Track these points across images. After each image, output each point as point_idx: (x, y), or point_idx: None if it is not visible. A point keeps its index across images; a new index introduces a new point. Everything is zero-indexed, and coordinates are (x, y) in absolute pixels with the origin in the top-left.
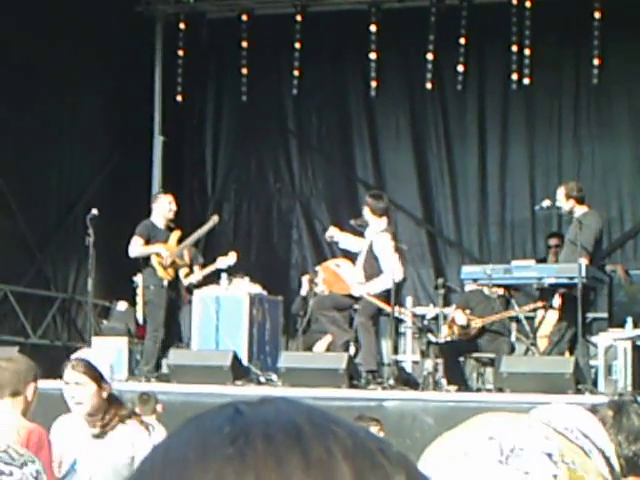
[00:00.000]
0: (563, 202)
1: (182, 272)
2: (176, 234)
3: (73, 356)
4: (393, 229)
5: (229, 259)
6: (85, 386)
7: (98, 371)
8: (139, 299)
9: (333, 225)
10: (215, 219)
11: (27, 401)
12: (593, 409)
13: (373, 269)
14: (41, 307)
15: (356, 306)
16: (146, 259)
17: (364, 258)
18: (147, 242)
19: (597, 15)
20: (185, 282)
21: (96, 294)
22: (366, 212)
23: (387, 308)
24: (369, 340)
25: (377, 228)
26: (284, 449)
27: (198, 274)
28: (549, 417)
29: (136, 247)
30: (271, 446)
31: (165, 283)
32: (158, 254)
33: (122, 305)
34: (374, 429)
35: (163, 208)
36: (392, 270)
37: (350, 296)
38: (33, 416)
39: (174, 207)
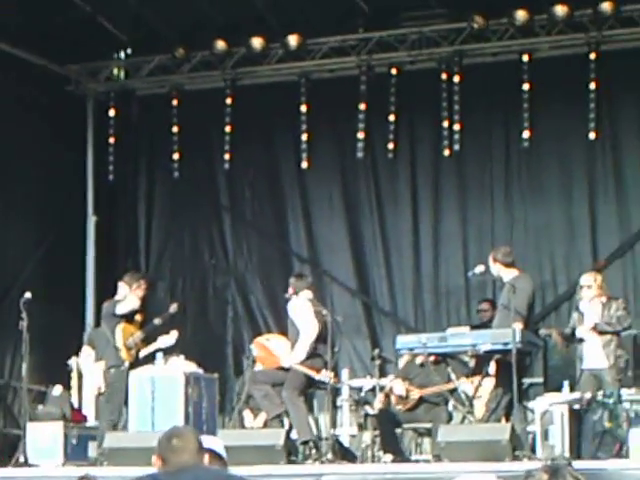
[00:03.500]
0: (492, 266)
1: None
2: (138, 317)
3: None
4: (315, 302)
5: (170, 338)
6: None
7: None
8: (74, 383)
9: (267, 299)
10: (175, 307)
11: None
12: (528, 474)
13: (295, 336)
14: None
15: None
16: (109, 341)
17: (289, 329)
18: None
19: (525, 77)
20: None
21: (31, 379)
22: (290, 291)
23: (315, 374)
24: (297, 412)
25: (294, 301)
26: None
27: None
28: None
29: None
30: None
31: (126, 365)
32: (124, 335)
33: (57, 389)
34: None
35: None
36: (306, 327)
37: (283, 369)
38: None
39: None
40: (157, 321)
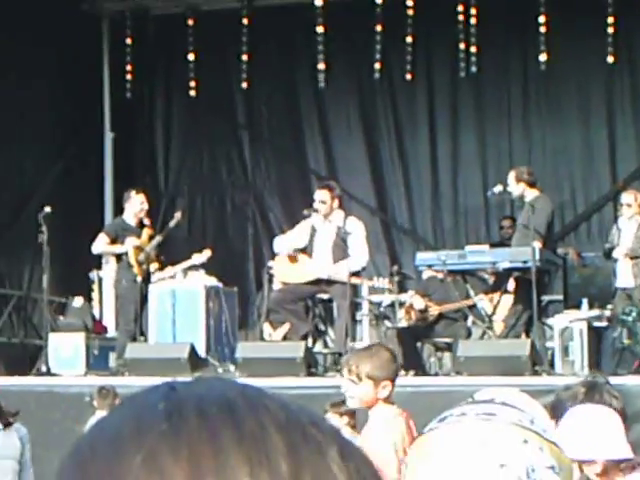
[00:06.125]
0: (514, 186)
1: (152, 268)
2: (147, 231)
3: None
4: None
5: (203, 256)
6: None
7: None
8: (95, 294)
9: (286, 216)
10: (178, 215)
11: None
12: (567, 387)
13: (343, 252)
14: None
15: (321, 295)
16: (120, 255)
17: (333, 242)
18: (113, 241)
19: (542, 0)
20: (154, 278)
21: (51, 291)
22: (327, 198)
23: (368, 282)
24: (344, 322)
25: (340, 214)
26: (217, 423)
27: (170, 270)
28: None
29: (99, 244)
30: (204, 420)
31: (139, 279)
32: (137, 248)
33: (78, 301)
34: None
35: (135, 207)
36: (364, 253)
37: (308, 284)
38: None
39: (146, 206)
40: (164, 232)
